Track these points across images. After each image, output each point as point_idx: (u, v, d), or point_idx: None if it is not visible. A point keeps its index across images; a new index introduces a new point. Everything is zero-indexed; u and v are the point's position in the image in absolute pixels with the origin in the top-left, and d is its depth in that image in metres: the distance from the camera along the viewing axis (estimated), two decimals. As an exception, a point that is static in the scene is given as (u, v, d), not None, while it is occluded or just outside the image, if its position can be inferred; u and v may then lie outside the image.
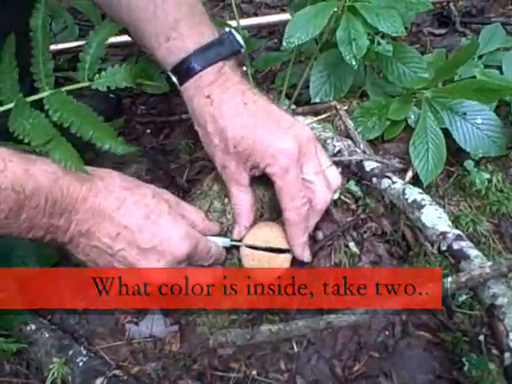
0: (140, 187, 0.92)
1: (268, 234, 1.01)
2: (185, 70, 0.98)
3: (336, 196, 1.10)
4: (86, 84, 1.09)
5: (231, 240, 1.01)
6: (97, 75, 1.08)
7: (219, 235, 1.02)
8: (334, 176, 1.00)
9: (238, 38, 1.01)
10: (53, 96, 1.02)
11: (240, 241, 1.01)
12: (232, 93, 0.96)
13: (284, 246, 1.00)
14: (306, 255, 0.99)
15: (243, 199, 1.00)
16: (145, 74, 1.22)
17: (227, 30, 1.02)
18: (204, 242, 0.94)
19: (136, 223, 0.87)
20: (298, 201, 0.94)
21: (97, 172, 0.89)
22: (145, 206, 0.89)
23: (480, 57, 1.37)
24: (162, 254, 0.88)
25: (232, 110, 0.94)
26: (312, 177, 0.96)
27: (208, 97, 0.96)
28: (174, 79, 1.00)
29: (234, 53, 1.00)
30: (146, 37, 1.00)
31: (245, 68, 1.21)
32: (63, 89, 1.05)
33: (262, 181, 1.02)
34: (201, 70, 0.97)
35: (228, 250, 1.03)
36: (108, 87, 1.08)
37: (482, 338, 0.98)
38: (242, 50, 1.02)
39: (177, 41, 0.97)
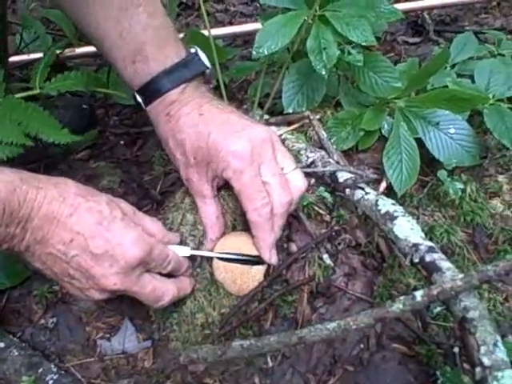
0: (94, 194, 0.92)
1: (237, 242, 1.01)
2: (149, 92, 1.02)
3: (304, 202, 1.09)
4: (38, 91, 1.17)
5: (191, 249, 1.01)
6: (47, 82, 1.16)
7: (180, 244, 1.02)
8: (298, 179, 1.00)
9: (204, 58, 1.04)
10: (4, 102, 1.10)
11: (199, 250, 1.02)
12: (189, 107, 0.99)
13: (254, 253, 0.99)
14: (273, 259, 0.98)
15: (208, 211, 1.01)
16: (110, 83, 1.26)
17: (193, 50, 1.05)
18: (160, 248, 0.94)
19: (88, 229, 0.87)
20: (257, 202, 0.94)
21: (52, 180, 0.88)
22: (98, 213, 0.88)
23: (453, 66, 1.37)
24: (114, 260, 0.87)
25: (188, 122, 0.97)
26: (269, 178, 0.95)
27: (167, 114, 1.00)
28: (140, 100, 1.04)
29: (197, 74, 1.03)
30: (113, 57, 1.03)
31: (211, 86, 1.21)
32: (17, 95, 1.13)
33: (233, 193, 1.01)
34: (165, 93, 1.00)
35: (200, 263, 1.03)
36: (59, 92, 1.17)
37: (456, 350, 0.97)
38: (207, 71, 1.05)
39: (142, 64, 1.01)
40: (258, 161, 0.95)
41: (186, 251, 1.00)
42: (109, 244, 0.87)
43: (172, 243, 1.00)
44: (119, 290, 0.89)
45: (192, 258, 1.02)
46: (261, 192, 0.94)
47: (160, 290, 0.94)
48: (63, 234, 0.86)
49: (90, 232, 0.87)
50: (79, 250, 0.86)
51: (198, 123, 0.97)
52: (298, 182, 0.99)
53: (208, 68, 1.04)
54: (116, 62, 1.03)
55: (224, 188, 1.04)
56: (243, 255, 0.99)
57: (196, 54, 1.04)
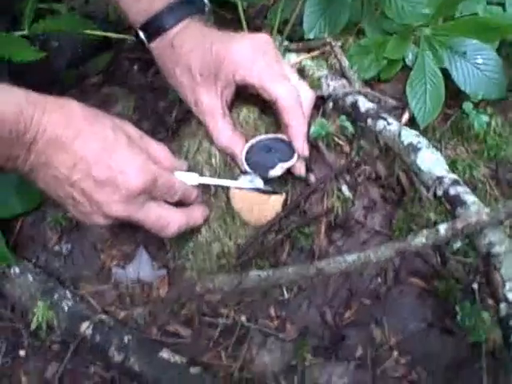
0: (100, 118, 0.89)
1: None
2: (153, 28, 1.03)
3: (323, 132, 1.06)
4: (26, 32, 1.15)
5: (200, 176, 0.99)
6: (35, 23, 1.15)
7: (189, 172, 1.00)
8: (306, 89, 1.02)
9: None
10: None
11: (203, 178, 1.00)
12: (191, 31, 1.01)
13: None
14: (306, 150, 0.99)
15: (224, 129, 0.99)
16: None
17: None
18: (166, 176, 0.92)
19: (92, 154, 0.85)
20: (285, 85, 0.96)
21: (57, 101, 0.85)
22: (102, 138, 0.86)
23: (483, -7, 1.30)
24: (116, 187, 0.85)
25: (191, 45, 0.99)
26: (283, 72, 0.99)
27: (172, 46, 1.01)
28: (143, 37, 1.05)
29: (199, 11, 1.05)
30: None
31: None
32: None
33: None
34: (168, 29, 1.01)
35: (215, 192, 1.01)
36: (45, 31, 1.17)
37: (475, 286, 0.95)
38: (206, 9, 1.07)
39: (146, 1, 1.02)
40: (265, 57, 0.97)
41: (194, 179, 0.98)
42: (111, 171, 0.85)
43: (179, 170, 0.98)
44: (122, 216, 0.88)
45: (204, 186, 1.00)
46: (284, 76, 0.97)
47: (165, 218, 0.92)
48: (66, 157, 0.84)
49: (93, 157, 0.85)
50: (82, 175, 0.84)
51: (201, 42, 0.98)
52: (307, 93, 1.02)
53: (207, 6, 1.07)
54: (120, 2, 1.04)
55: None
56: (265, 190, 0.98)
57: None
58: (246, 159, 0.97)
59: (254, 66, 0.95)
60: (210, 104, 0.98)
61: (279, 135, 0.99)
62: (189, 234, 1.01)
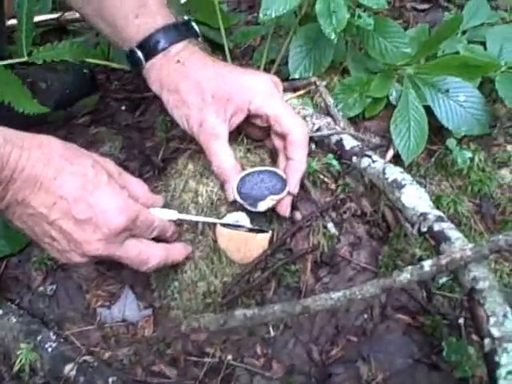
0: (80, 156, 0.89)
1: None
2: (153, 45, 1.03)
3: (310, 170, 1.08)
4: (25, 58, 1.17)
5: (178, 213, 1.00)
6: (35, 50, 1.16)
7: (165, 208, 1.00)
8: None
9: (196, 28, 1.09)
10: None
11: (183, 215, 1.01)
12: (200, 55, 1.03)
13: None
14: (297, 188, 1.01)
15: (225, 153, 0.99)
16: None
17: (186, 18, 1.10)
18: (145, 214, 0.92)
19: (72, 194, 0.84)
20: (299, 121, 1.00)
21: (36, 138, 0.85)
22: (82, 176, 0.86)
23: (464, 32, 1.33)
24: (97, 226, 0.85)
25: (203, 66, 1.01)
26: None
27: (178, 61, 1.02)
28: (140, 55, 1.04)
29: (195, 35, 1.08)
30: (113, 17, 1.05)
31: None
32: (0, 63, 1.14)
33: None
34: (169, 46, 1.02)
35: (202, 230, 1.01)
36: (45, 61, 1.17)
37: (461, 321, 0.95)
38: (199, 39, 1.10)
39: (146, 17, 1.03)
40: (279, 93, 1.02)
41: (172, 215, 0.98)
42: (92, 210, 0.85)
43: (156, 206, 0.98)
44: (102, 255, 0.88)
45: (191, 224, 1.02)
46: (297, 114, 1.01)
47: (145, 253, 0.92)
48: (45, 197, 0.83)
49: (74, 197, 0.84)
50: (61, 214, 0.84)
51: (213, 66, 1.01)
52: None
53: (199, 36, 1.10)
54: (116, 21, 1.04)
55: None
56: (253, 229, 0.99)
57: (190, 20, 1.09)
58: (238, 189, 0.98)
59: (272, 98, 0.99)
60: (216, 126, 0.98)
61: (271, 168, 1.01)
62: (174, 273, 1.02)
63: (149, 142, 1.32)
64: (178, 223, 1.01)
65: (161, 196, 1.02)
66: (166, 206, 1.02)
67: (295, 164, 0.98)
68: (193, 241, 1.02)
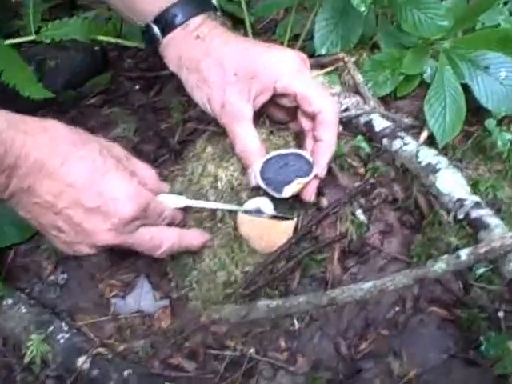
0: (87, 141, 0.89)
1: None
2: (170, 19, 1.02)
3: (337, 153, 1.08)
4: (33, 37, 1.19)
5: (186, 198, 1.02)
6: (44, 27, 1.17)
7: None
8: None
9: (214, 1, 1.09)
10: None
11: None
12: (221, 30, 1.03)
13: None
14: (325, 168, 1.00)
15: (249, 135, 0.99)
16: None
17: None
18: (156, 202, 0.93)
19: (80, 181, 0.85)
20: (329, 99, 1.00)
21: (40, 123, 0.86)
22: (91, 162, 0.86)
23: (505, 3, 1.32)
24: (107, 215, 0.86)
25: (224, 42, 1.00)
26: None
27: (198, 37, 1.01)
28: (156, 30, 1.03)
29: (213, 9, 1.07)
30: None
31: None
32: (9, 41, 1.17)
33: None
34: (187, 20, 1.02)
35: (222, 217, 1.02)
36: (54, 40, 1.19)
37: (501, 314, 0.96)
38: (218, 13, 1.09)
39: None
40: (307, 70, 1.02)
41: (180, 201, 1.00)
42: (102, 198, 0.85)
43: (162, 193, 1.00)
44: (112, 245, 0.89)
45: (211, 211, 1.03)
46: (326, 91, 1.01)
47: (158, 238, 0.93)
48: (52, 184, 0.84)
49: (82, 184, 0.85)
50: (70, 203, 0.85)
51: (235, 41, 1.00)
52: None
53: (218, 10, 1.09)
54: None
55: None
56: (276, 216, 1.00)
57: None
58: (262, 174, 0.98)
59: (300, 75, 0.99)
60: (240, 107, 0.98)
61: (296, 150, 1.01)
62: (192, 262, 1.03)
63: (164, 123, 1.33)
64: (197, 210, 1.03)
65: (166, 183, 1.04)
66: (183, 191, 1.04)
67: (324, 145, 0.99)
68: (212, 228, 1.03)
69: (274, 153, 1.00)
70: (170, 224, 0.97)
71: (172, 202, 0.99)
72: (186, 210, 1.02)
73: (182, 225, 1.02)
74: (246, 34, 1.23)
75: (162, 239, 0.94)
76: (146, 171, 0.99)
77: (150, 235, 0.92)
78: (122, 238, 0.89)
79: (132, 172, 0.93)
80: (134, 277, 1.10)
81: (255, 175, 0.98)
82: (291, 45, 1.27)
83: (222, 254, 1.02)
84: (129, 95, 1.42)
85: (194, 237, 1.00)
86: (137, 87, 1.44)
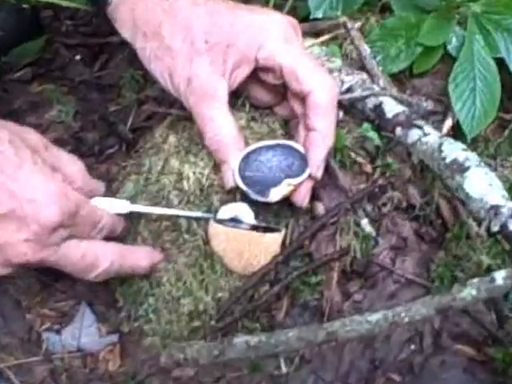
0: None
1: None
2: None
3: (337, 145, 1.09)
4: None
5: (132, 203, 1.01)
6: None
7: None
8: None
9: None
10: None
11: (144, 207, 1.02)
12: None
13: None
14: (322, 166, 1.00)
15: (225, 122, 0.99)
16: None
17: None
18: (89, 206, 0.92)
19: None
20: (325, 76, 0.99)
21: None
22: None
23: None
24: (23, 222, 0.84)
25: (191, 1, 1.00)
26: None
27: None
28: None
29: None
30: None
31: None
32: None
33: None
34: None
35: (188, 227, 1.02)
36: None
37: (546, 354, 0.97)
38: None
39: None
40: (298, 39, 1.02)
41: (122, 206, 0.99)
42: (15, 200, 0.83)
43: (96, 194, 0.99)
44: (32, 262, 0.86)
45: (174, 219, 1.02)
46: (322, 67, 1.01)
47: (92, 254, 0.92)
48: None
49: None
50: None
51: (206, 2, 1.00)
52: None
53: None
54: None
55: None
56: (259, 226, 1.00)
57: None
58: (241, 172, 0.98)
59: (289, 44, 0.98)
60: (211, 83, 0.98)
61: (285, 141, 1.01)
62: (149, 286, 1.03)
63: (113, 105, 1.33)
64: (154, 218, 1.02)
65: (101, 182, 1.03)
66: (137, 193, 1.04)
67: (319, 136, 0.98)
68: (174, 242, 1.03)
69: (256, 144, 0.99)
70: (108, 237, 0.96)
71: (112, 206, 0.98)
72: (139, 217, 1.02)
73: (133, 238, 1.01)
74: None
75: (97, 257, 0.92)
76: (73, 165, 0.97)
77: (82, 251, 0.91)
78: (44, 252, 0.86)
79: (54, 166, 0.91)
80: (73, 305, 1.10)
81: (233, 174, 0.97)
82: (278, 6, 1.26)
83: (188, 275, 1.02)
84: (67, 68, 1.42)
85: (141, 255, 0.99)
86: (77, 57, 1.44)
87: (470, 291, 0.85)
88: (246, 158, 0.98)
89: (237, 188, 0.98)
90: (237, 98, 1.07)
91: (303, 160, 0.98)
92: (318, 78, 0.97)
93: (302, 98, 0.99)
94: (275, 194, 0.97)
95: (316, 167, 0.98)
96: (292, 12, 1.26)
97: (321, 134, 0.98)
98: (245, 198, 1.00)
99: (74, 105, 1.32)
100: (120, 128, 1.27)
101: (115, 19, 1.05)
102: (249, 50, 0.97)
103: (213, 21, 0.98)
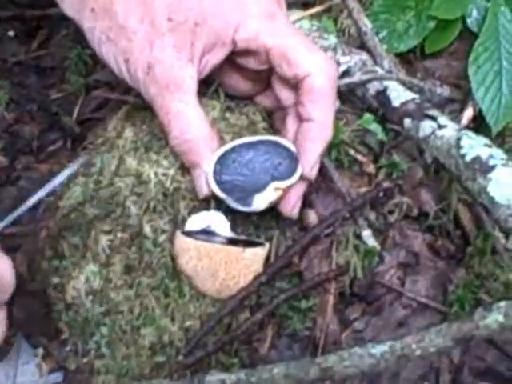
0: None
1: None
2: None
3: (334, 140, 1.09)
4: None
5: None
6: None
7: None
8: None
9: None
10: None
11: None
12: None
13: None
14: (316, 165, 1.01)
15: (195, 117, 0.99)
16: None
17: None
18: None
19: None
20: (318, 53, 1.00)
21: None
22: None
23: None
24: None
25: None
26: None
27: None
28: None
29: None
30: None
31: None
32: None
33: None
34: None
35: (155, 239, 1.02)
36: None
37: None
38: None
39: None
40: (284, 15, 1.02)
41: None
42: None
43: None
44: None
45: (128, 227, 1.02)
46: (315, 46, 1.02)
47: None
48: None
49: None
50: None
51: None
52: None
53: None
54: None
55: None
56: (237, 240, 1.00)
57: None
58: (216, 176, 0.98)
59: (273, 20, 0.98)
60: (176, 69, 0.97)
61: (269, 137, 1.02)
62: (100, 313, 1.03)
63: (55, 91, 1.34)
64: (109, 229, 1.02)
65: None
66: (87, 200, 1.03)
67: (315, 128, 0.99)
68: (130, 256, 1.03)
69: (234, 142, 1.00)
70: None
71: None
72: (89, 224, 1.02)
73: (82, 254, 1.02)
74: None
75: None
76: None
77: None
78: None
79: None
80: (7, 337, 1.08)
81: (207, 179, 0.97)
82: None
83: (151, 299, 1.02)
84: (-1, 46, 1.42)
85: None
86: (10, 33, 1.44)
87: (495, 317, 0.85)
88: (223, 159, 0.98)
89: (212, 196, 0.99)
90: (207, 84, 1.07)
91: (292, 159, 0.98)
92: (314, 60, 0.97)
93: (294, 84, 0.99)
94: (260, 202, 0.97)
95: (310, 166, 0.99)
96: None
97: (318, 125, 0.98)
98: (219, 205, 1.00)
99: (7, 91, 1.32)
100: (64, 119, 1.28)
101: None
102: (223, 30, 0.97)
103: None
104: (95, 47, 1.02)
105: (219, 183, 0.96)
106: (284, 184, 0.97)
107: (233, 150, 0.98)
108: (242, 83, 1.07)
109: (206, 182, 0.97)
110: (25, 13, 1.45)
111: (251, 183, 0.97)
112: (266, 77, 1.03)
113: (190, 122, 0.98)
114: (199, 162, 0.98)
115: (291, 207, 1.01)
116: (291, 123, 1.02)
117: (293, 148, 0.99)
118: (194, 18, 0.96)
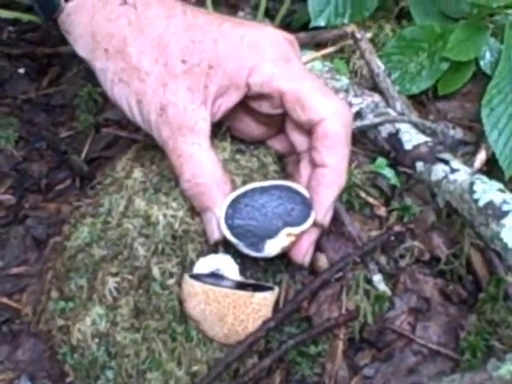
0: None
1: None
2: None
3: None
4: None
5: None
6: None
7: None
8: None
9: None
10: None
11: None
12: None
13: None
14: (330, 211, 1.00)
15: (207, 161, 0.98)
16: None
17: None
18: None
19: None
20: (333, 98, 0.99)
21: None
22: None
23: None
24: None
25: (167, 11, 1.01)
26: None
27: (125, 2, 1.00)
28: None
29: None
30: None
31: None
32: None
33: None
34: None
35: (163, 281, 1.01)
36: None
37: None
38: None
39: None
40: (298, 59, 1.02)
41: None
42: None
43: None
44: None
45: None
46: (330, 90, 1.01)
47: None
48: None
49: None
50: None
51: (183, 13, 1.00)
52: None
53: None
54: None
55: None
56: (246, 284, 0.99)
57: None
58: (228, 221, 0.97)
59: (287, 65, 0.98)
60: (189, 112, 0.97)
61: (281, 182, 1.01)
62: (107, 356, 1.02)
63: (65, 129, 1.34)
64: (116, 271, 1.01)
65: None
66: (94, 240, 1.03)
67: (329, 174, 0.98)
68: (137, 299, 1.02)
69: (247, 186, 0.99)
70: None
71: None
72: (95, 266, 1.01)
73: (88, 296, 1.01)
74: (203, 5, 1.23)
75: None
76: None
77: None
78: None
79: None
80: (10, 379, 1.08)
81: (218, 223, 0.97)
82: (271, 17, 1.27)
83: (158, 343, 1.01)
84: (8, 83, 1.42)
85: None
86: (21, 71, 1.44)
87: (509, 368, 0.84)
88: (235, 203, 0.97)
89: (224, 240, 0.98)
90: (217, 126, 1.06)
91: (305, 204, 0.98)
92: (329, 105, 0.97)
93: (308, 130, 0.99)
94: (272, 248, 0.96)
95: (323, 212, 0.98)
96: (285, 22, 1.27)
97: (332, 171, 0.98)
98: (228, 248, 1.00)
99: (16, 129, 1.32)
100: (73, 158, 1.27)
101: (69, 32, 1.05)
102: (237, 73, 0.97)
103: (192, 36, 0.97)
104: (107, 89, 1.02)
105: (231, 228, 0.95)
106: (297, 230, 0.96)
107: (245, 194, 0.97)
108: (254, 128, 1.07)
109: (217, 226, 0.96)
110: (36, 50, 1.46)
111: (263, 228, 0.96)
112: (278, 121, 1.03)
113: (203, 166, 0.97)
114: (211, 206, 0.97)
115: (303, 254, 1.00)
116: (304, 168, 1.01)
117: (306, 193, 0.98)
118: (208, 61, 0.96)
